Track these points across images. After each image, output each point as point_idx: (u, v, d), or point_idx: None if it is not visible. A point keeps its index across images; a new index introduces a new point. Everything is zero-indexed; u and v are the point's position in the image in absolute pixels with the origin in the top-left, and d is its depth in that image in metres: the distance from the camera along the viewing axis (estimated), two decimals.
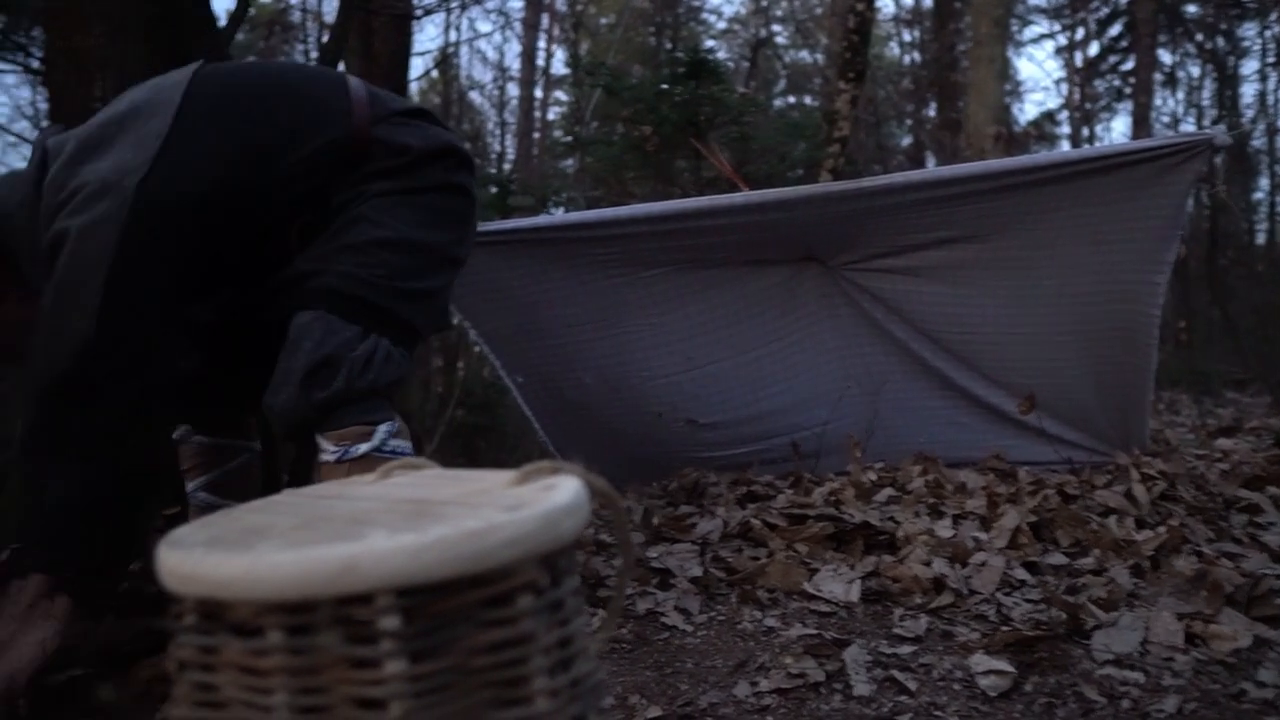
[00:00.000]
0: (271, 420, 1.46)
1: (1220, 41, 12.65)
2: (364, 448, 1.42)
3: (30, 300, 1.43)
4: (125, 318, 1.36)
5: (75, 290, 1.34)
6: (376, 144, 1.52)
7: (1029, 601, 1.76)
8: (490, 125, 15.35)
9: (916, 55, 14.82)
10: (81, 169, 1.38)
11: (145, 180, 1.35)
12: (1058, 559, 1.96)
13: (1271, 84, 12.06)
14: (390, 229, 1.49)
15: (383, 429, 1.44)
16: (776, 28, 15.73)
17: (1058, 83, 18.58)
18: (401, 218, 1.51)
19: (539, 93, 15.22)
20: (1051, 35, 15.76)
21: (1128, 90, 14.15)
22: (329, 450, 1.42)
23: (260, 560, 0.53)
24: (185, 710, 0.59)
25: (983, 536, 2.05)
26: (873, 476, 2.59)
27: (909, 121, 14.53)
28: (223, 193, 1.43)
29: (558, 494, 0.58)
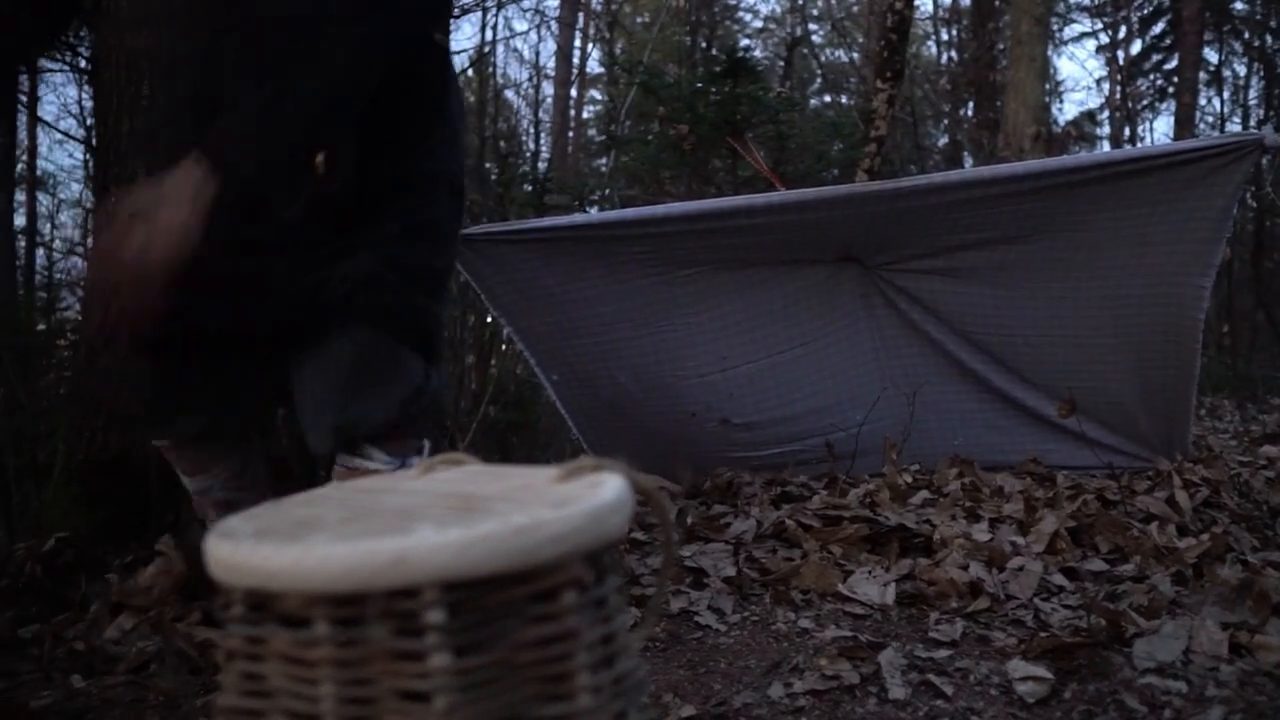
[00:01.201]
0: (345, 428, 1.47)
1: (1268, 39, 12.39)
2: (416, 460, 1.51)
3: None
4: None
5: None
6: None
7: (1067, 608, 1.74)
8: (525, 123, 15.40)
9: (955, 54, 14.65)
10: None
11: None
12: (1097, 565, 1.93)
13: None
14: (441, 257, 1.57)
15: (427, 444, 1.56)
16: (813, 26, 15.62)
17: (1099, 82, 18.27)
18: (429, 247, 1.54)
19: (574, 91, 15.26)
20: (1093, 33, 15.48)
21: (1171, 89, 13.91)
22: (383, 461, 1.49)
23: (309, 552, 0.54)
24: (234, 699, 0.60)
25: (1020, 541, 2.02)
26: (908, 479, 2.57)
27: (946, 121, 14.36)
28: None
29: (604, 491, 0.59)
